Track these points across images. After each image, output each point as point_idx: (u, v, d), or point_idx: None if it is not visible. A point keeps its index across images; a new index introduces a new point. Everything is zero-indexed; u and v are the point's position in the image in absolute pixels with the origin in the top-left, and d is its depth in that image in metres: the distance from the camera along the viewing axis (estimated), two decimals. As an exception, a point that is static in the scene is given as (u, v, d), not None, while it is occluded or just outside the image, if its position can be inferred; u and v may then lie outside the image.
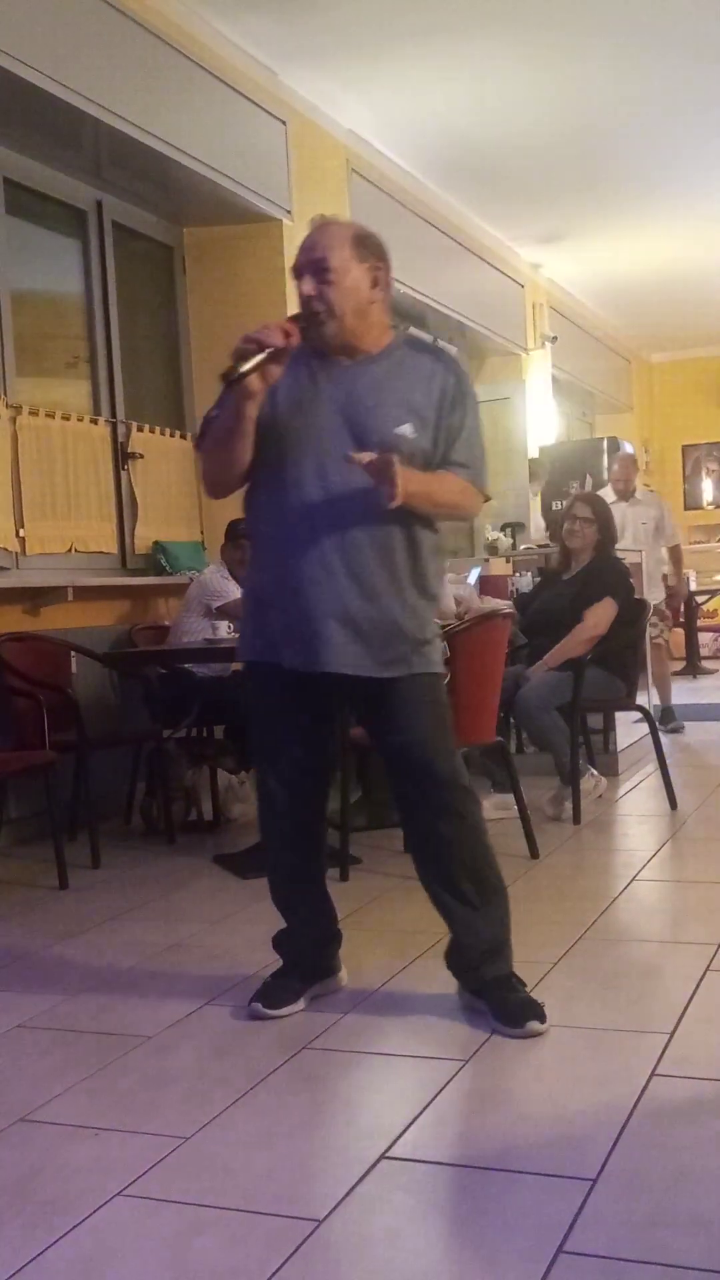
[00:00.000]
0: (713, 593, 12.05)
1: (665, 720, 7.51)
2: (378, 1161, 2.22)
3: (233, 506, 5.83)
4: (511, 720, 5.42)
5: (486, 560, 8.00)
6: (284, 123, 6.57)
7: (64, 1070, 2.73)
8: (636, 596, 5.70)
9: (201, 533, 6.69)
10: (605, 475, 8.73)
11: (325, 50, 6.23)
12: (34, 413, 5.56)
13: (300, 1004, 3.02)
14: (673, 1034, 2.74)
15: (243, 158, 6.20)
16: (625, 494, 7.97)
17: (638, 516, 7.84)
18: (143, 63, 5.47)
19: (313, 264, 2.80)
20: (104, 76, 5.18)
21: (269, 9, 5.78)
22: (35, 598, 5.37)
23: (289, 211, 6.55)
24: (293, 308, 2.92)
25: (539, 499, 9.77)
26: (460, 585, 6.40)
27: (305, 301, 2.81)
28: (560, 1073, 2.61)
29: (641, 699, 5.81)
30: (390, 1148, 2.28)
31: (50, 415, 5.67)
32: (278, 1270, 1.89)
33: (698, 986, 3.04)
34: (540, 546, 7.77)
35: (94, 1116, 2.49)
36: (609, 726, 6.21)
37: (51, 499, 5.65)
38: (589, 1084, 2.53)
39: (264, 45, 6.15)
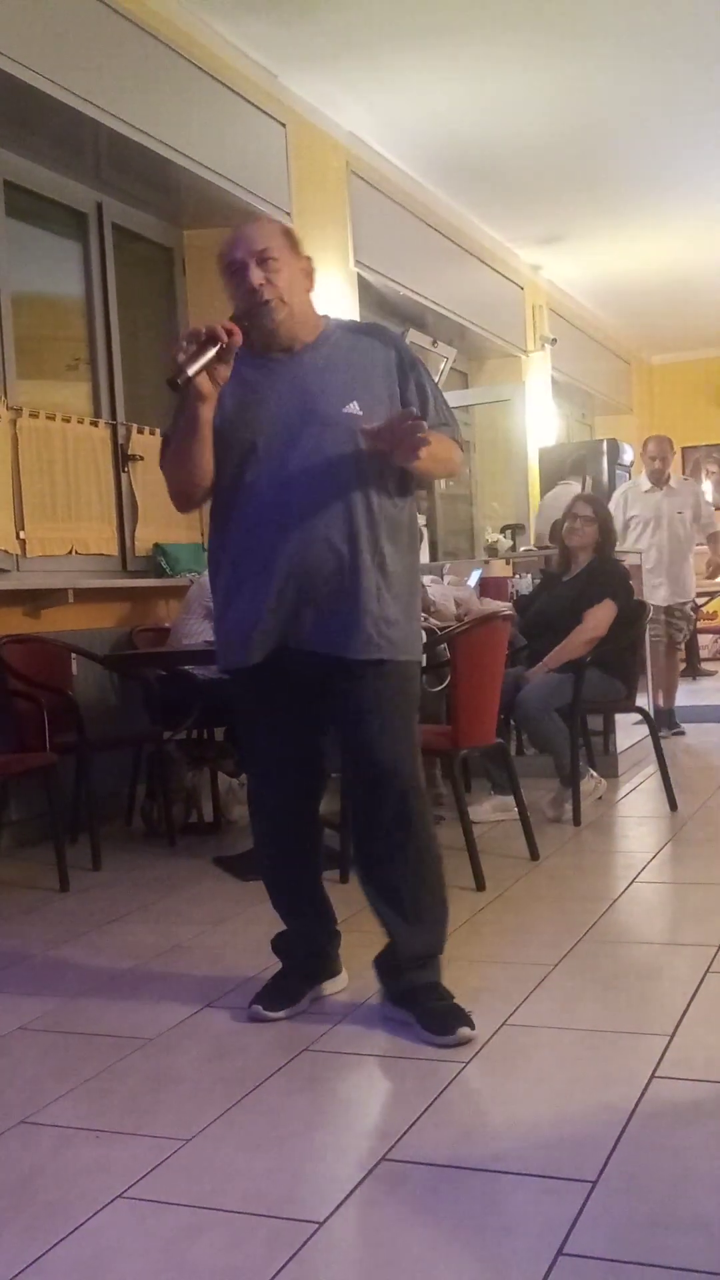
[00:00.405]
0: (713, 594, 12.05)
1: (668, 724, 7.37)
2: (378, 1164, 2.23)
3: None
4: (511, 722, 5.42)
5: (486, 562, 8.00)
6: (284, 125, 6.58)
7: (64, 1072, 2.73)
8: (636, 598, 5.70)
9: (202, 535, 6.69)
10: (604, 477, 8.69)
11: (325, 52, 6.24)
12: (34, 415, 5.56)
13: (300, 1006, 3.01)
14: (673, 1036, 2.74)
15: (243, 160, 6.21)
16: (661, 478, 7.64)
17: (674, 505, 7.61)
18: (143, 65, 5.47)
19: (256, 255, 2.83)
20: (104, 79, 5.19)
21: (269, 11, 5.79)
22: (36, 600, 5.37)
23: (289, 213, 6.55)
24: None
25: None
26: (460, 587, 6.40)
27: (253, 292, 2.82)
28: (560, 1074, 2.61)
29: (642, 700, 5.82)
30: (390, 1150, 2.28)
31: (51, 417, 5.67)
32: (278, 1272, 1.89)
33: (698, 988, 3.04)
34: (540, 549, 7.76)
35: (94, 1118, 2.49)
36: (609, 728, 6.21)
37: (52, 501, 5.65)
38: (589, 1086, 2.53)
39: (264, 47, 6.15)
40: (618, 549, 7.27)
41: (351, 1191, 2.13)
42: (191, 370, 2.69)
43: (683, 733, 7.52)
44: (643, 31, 6.19)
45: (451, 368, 9.39)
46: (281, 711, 2.96)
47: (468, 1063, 2.66)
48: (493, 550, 8.22)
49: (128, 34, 5.37)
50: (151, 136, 5.52)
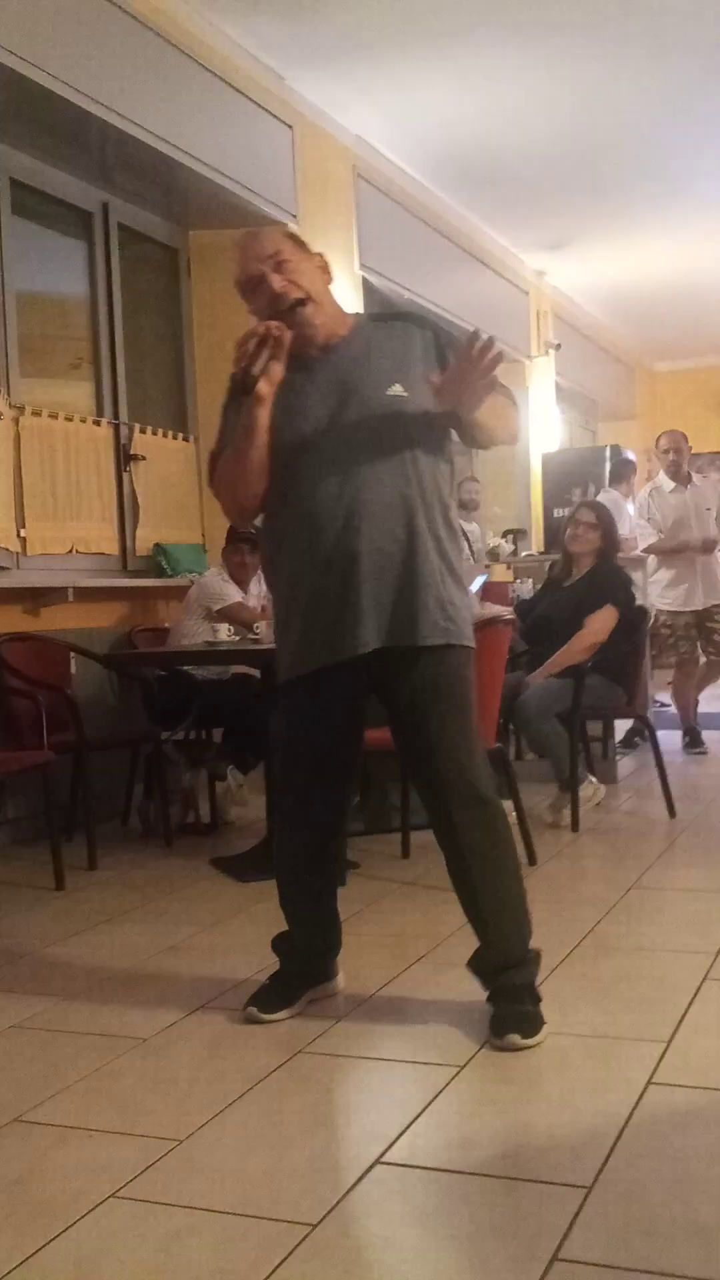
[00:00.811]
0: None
1: (695, 741, 7.08)
2: (372, 1166, 2.22)
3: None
4: (511, 726, 5.41)
5: (488, 567, 8.00)
6: (290, 127, 6.58)
7: (59, 1071, 2.72)
8: (638, 604, 5.70)
9: (202, 535, 6.69)
10: (606, 482, 8.66)
11: (332, 55, 6.24)
12: (37, 413, 5.56)
13: (296, 1008, 3.00)
14: (670, 1042, 2.73)
15: (249, 162, 6.21)
16: (680, 473, 7.34)
17: (700, 502, 7.37)
18: (150, 66, 5.47)
19: (271, 262, 2.83)
20: (111, 79, 5.19)
21: (276, 13, 5.79)
22: (36, 598, 5.37)
23: (295, 216, 6.55)
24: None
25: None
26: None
27: (279, 296, 2.81)
28: (557, 1080, 2.60)
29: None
30: (385, 1153, 2.27)
31: (53, 416, 5.67)
32: (270, 1274, 1.88)
33: (695, 995, 3.03)
34: (541, 554, 7.75)
35: (89, 1118, 2.48)
36: (609, 734, 6.20)
37: (53, 500, 5.65)
38: (586, 1091, 2.52)
39: (271, 49, 6.16)
40: (648, 548, 7.22)
41: (346, 1194, 2.12)
42: (256, 368, 2.71)
43: (704, 751, 7.04)
44: (650, 38, 6.19)
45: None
46: (334, 720, 2.91)
47: (464, 1067, 2.65)
48: (494, 555, 8.22)
49: (136, 34, 5.37)
50: (158, 136, 5.53)
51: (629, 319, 12.12)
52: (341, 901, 3.22)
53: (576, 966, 3.31)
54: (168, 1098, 2.57)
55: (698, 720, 7.22)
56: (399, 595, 2.79)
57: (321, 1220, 2.03)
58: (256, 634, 5.08)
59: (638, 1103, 2.43)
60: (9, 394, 5.37)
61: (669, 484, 7.40)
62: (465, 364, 2.66)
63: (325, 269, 2.94)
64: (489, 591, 6.99)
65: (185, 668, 5.41)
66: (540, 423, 10.47)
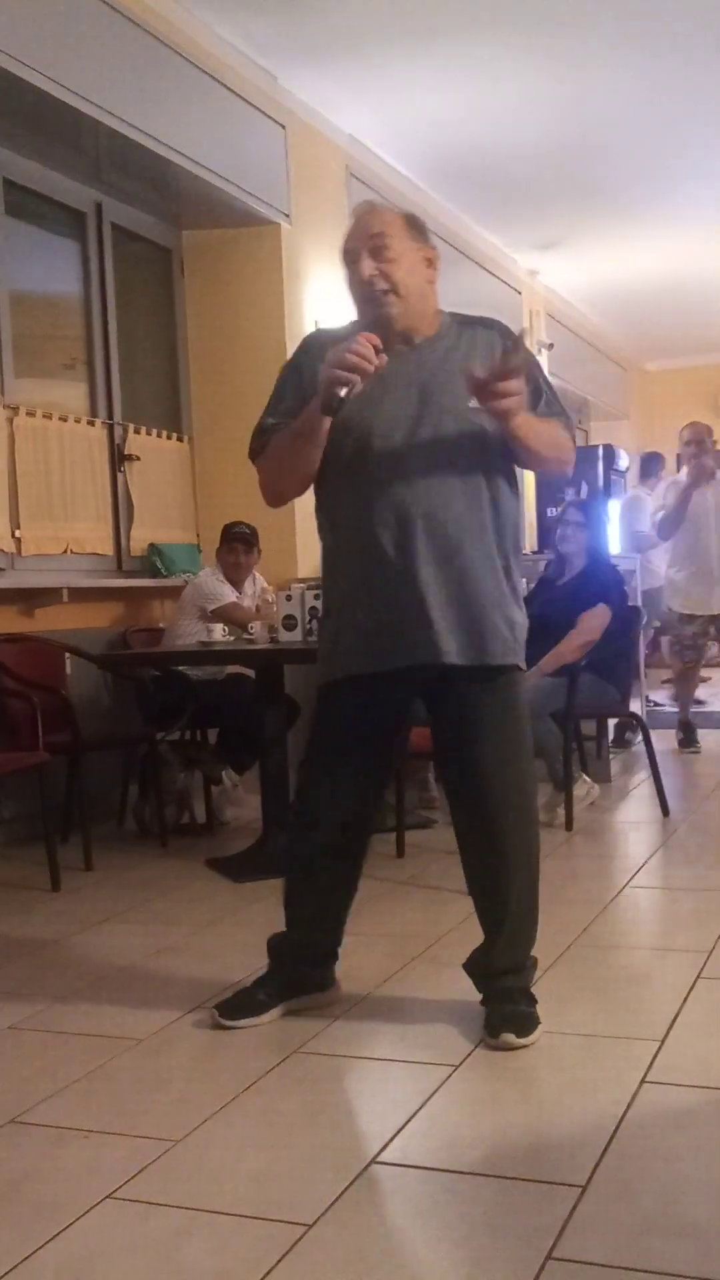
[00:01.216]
0: None
1: (690, 740, 6.99)
2: (368, 1166, 2.22)
3: (229, 509, 5.87)
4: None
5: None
6: (283, 126, 6.58)
7: (54, 1072, 2.73)
8: (631, 603, 5.71)
9: (197, 535, 6.70)
10: (600, 482, 8.67)
11: (325, 54, 6.24)
12: (31, 413, 5.56)
13: (264, 1018, 2.94)
14: (663, 1041, 2.75)
15: (242, 161, 6.21)
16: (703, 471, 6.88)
17: None
18: (143, 65, 5.47)
19: (371, 243, 2.73)
20: (104, 78, 5.19)
21: (269, 12, 5.78)
22: (30, 599, 5.37)
23: (287, 215, 6.55)
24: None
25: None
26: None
27: (367, 283, 2.73)
28: (551, 1079, 2.61)
29: (636, 706, 5.82)
30: (380, 1153, 2.28)
31: (47, 416, 5.67)
32: (267, 1274, 1.89)
33: (689, 994, 3.05)
34: (534, 553, 7.76)
35: (84, 1119, 2.49)
36: (602, 733, 6.22)
37: (48, 500, 5.65)
38: (579, 1090, 2.53)
39: (264, 49, 6.15)
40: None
41: (341, 1194, 2.13)
42: (344, 393, 2.59)
43: (698, 751, 6.95)
44: (642, 38, 6.19)
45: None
46: (380, 724, 2.87)
47: (458, 1066, 2.66)
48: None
49: (128, 33, 5.37)
50: (151, 136, 5.52)
51: (622, 318, 12.12)
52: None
53: (570, 966, 3.32)
54: (164, 1098, 2.58)
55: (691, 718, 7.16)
56: (467, 612, 2.73)
57: (317, 1220, 2.04)
58: (251, 634, 5.09)
59: (632, 1102, 2.44)
60: (3, 394, 5.37)
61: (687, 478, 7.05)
62: (492, 380, 2.59)
63: (432, 263, 2.82)
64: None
65: (180, 668, 5.42)
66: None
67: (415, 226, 2.82)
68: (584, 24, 6.02)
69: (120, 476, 6.20)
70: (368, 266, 2.73)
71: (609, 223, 9.14)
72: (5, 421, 5.36)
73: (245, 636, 5.15)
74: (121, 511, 6.20)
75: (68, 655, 5.36)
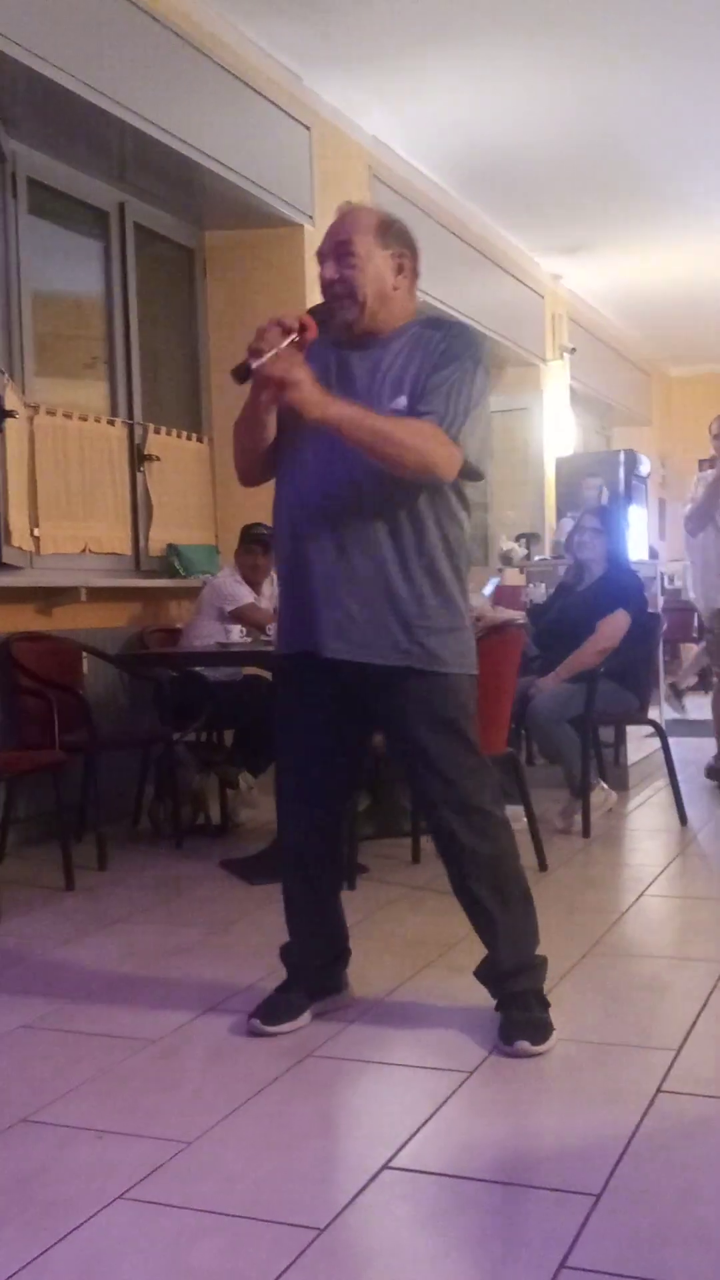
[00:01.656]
0: None
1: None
2: (380, 1171, 2.21)
3: (248, 510, 5.87)
4: (523, 731, 5.40)
5: (501, 570, 7.99)
6: (308, 128, 6.58)
7: (67, 1072, 2.72)
8: (651, 610, 5.68)
9: (216, 536, 6.70)
10: (621, 487, 8.60)
11: (350, 57, 6.24)
12: (51, 413, 5.57)
13: (300, 1021, 2.94)
14: (680, 1050, 2.73)
15: (266, 162, 6.21)
16: None
17: None
18: (168, 65, 5.48)
19: (336, 248, 2.79)
20: (129, 78, 5.19)
21: (295, 14, 5.79)
22: (48, 597, 5.37)
23: (311, 217, 6.55)
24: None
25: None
26: (474, 595, 6.38)
27: (327, 285, 2.80)
28: (566, 1087, 2.59)
29: (654, 713, 5.80)
30: (393, 1158, 2.26)
31: (68, 415, 5.68)
32: (278, 1278, 1.87)
33: (705, 1003, 3.03)
34: (554, 558, 7.73)
35: (96, 1119, 2.48)
36: (620, 740, 6.19)
37: (67, 499, 5.66)
38: (595, 1099, 2.51)
39: (289, 50, 6.16)
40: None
41: (353, 1199, 2.11)
42: (256, 363, 2.62)
43: None
44: (668, 42, 6.17)
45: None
46: (318, 712, 2.90)
47: (472, 1072, 2.64)
48: (507, 559, 8.20)
49: (154, 34, 5.37)
50: (175, 137, 5.53)
51: (645, 324, 12.10)
52: (351, 906, 3.22)
53: (586, 973, 3.30)
54: (176, 1100, 2.57)
55: None
56: (369, 611, 2.76)
57: (329, 1224, 2.03)
58: (269, 636, 5.08)
59: (647, 1111, 2.42)
60: (24, 393, 5.37)
61: None
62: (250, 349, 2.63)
63: (403, 268, 2.82)
64: (502, 595, 6.98)
65: (197, 669, 5.41)
66: (554, 427, 10.45)
67: (388, 230, 2.83)
68: (609, 27, 6.00)
69: (139, 476, 6.20)
70: (330, 270, 2.79)
71: (633, 227, 9.12)
72: (26, 420, 5.37)
73: (263, 638, 5.15)
74: (140, 511, 6.20)
75: (85, 654, 5.36)
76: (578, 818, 5.13)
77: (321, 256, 2.83)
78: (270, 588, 5.77)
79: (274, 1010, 2.95)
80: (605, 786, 5.49)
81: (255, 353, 2.63)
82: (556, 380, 10.55)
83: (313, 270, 2.92)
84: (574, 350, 10.71)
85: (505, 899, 2.89)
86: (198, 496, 6.63)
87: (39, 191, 5.65)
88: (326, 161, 6.74)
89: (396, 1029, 2.94)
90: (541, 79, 6.57)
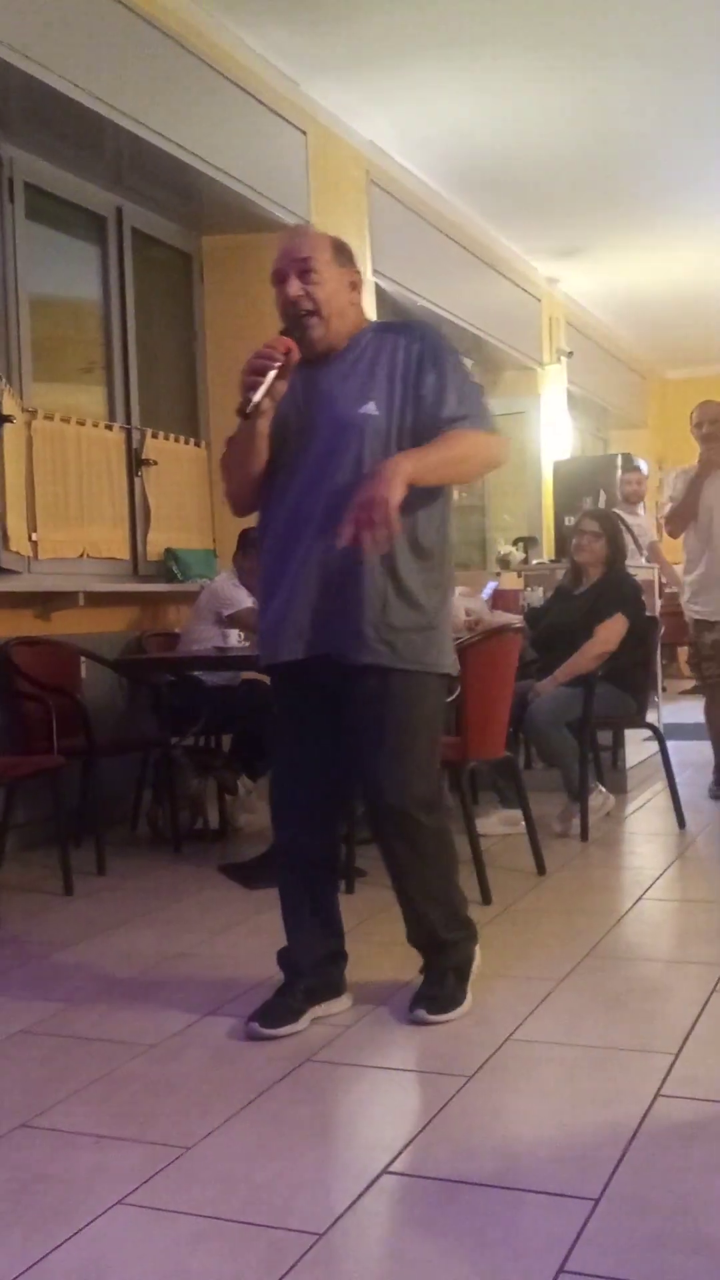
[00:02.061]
0: None
1: None
2: (379, 1176, 2.21)
3: (245, 515, 5.84)
4: (521, 735, 5.40)
5: (498, 574, 7.99)
6: (304, 133, 6.59)
7: (65, 1077, 2.72)
8: (649, 613, 5.68)
9: (214, 540, 6.69)
10: (618, 492, 8.58)
11: (347, 62, 6.25)
12: (49, 417, 5.57)
13: (299, 1025, 2.95)
14: (678, 1054, 2.73)
15: (263, 167, 6.22)
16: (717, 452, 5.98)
17: None
18: (165, 70, 5.48)
19: (297, 266, 2.87)
20: (126, 83, 5.20)
21: (292, 20, 5.79)
22: (46, 602, 5.37)
23: (308, 222, 6.55)
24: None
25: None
26: (471, 598, 6.39)
27: (292, 303, 2.87)
28: (564, 1091, 2.59)
29: (651, 717, 5.79)
30: (392, 1163, 2.26)
31: (65, 420, 5.68)
32: (277, 1284, 1.88)
33: (704, 1007, 3.03)
34: (552, 561, 7.73)
35: (95, 1124, 2.48)
36: (618, 743, 6.19)
37: (65, 504, 5.66)
38: (593, 1103, 2.51)
39: (286, 55, 6.16)
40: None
41: (352, 1204, 2.11)
42: (257, 397, 2.75)
43: None
44: (663, 46, 6.19)
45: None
46: (309, 717, 2.99)
47: (471, 1077, 2.64)
48: (504, 563, 8.21)
49: (150, 38, 5.38)
50: (172, 141, 5.53)
51: (641, 327, 12.11)
52: (349, 910, 3.22)
53: (585, 978, 3.30)
54: (175, 1104, 2.57)
55: None
56: (340, 611, 2.84)
57: (328, 1229, 2.03)
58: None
59: (645, 1115, 2.42)
60: (21, 397, 5.38)
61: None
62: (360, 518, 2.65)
63: (356, 286, 2.96)
64: (499, 599, 6.98)
65: (195, 673, 5.41)
66: (551, 431, 10.46)
67: (341, 251, 2.95)
68: (604, 32, 6.02)
69: (137, 481, 6.20)
70: (294, 287, 2.87)
71: (629, 230, 9.13)
72: (23, 425, 5.37)
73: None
74: (138, 516, 6.21)
75: (83, 659, 5.36)
76: (576, 821, 5.14)
77: (280, 275, 2.89)
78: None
79: (273, 1013, 2.96)
80: (604, 790, 5.49)
81: (250, 386, 2.75)
82: (554, 384, 10.56)
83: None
84: (571, 354, 10.72)
85: (428, 887, 3.03)
86: (195, 501, 6.63)
87: (36, 196, 5.65)
88: (323, 166, 6.75)
89: (395, 1033, 2.94)
90: (537, 83, 6.58)
